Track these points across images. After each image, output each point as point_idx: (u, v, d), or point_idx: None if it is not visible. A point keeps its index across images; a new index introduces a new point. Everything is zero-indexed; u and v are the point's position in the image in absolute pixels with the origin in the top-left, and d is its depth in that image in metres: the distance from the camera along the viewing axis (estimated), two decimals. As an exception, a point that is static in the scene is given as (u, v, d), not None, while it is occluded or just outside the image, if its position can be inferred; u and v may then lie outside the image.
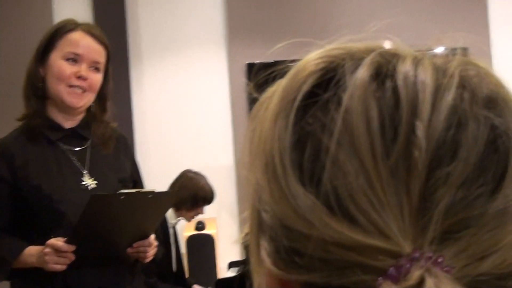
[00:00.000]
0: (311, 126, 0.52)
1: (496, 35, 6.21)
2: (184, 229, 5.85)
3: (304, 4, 6.31)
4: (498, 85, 0.54)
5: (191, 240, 5.79)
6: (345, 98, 0.51)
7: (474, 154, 0.50)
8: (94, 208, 2.36)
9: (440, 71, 0.53)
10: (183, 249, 5.78)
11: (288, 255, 0.52)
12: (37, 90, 2.55)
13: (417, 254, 0.48)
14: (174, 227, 4.54)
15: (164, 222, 4.41)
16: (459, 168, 0.49)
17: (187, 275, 5.55)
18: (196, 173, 4.64)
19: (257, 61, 6.18)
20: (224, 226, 6.19)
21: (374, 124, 0.50)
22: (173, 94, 6.36)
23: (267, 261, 0.55)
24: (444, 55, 0.55)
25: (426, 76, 0.52)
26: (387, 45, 0.56)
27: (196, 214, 4.60)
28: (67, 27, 2.57)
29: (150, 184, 5.99)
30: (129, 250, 2.55)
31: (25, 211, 2.49)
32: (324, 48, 0.57)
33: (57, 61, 2.54)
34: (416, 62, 0.53)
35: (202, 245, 5.79)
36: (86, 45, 2.56)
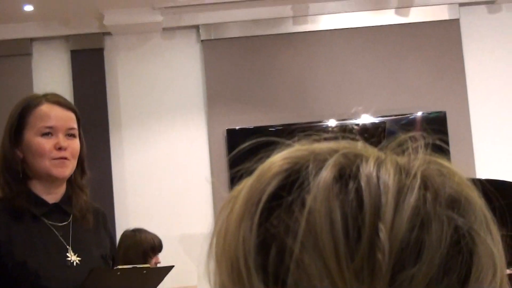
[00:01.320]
0: (276, 228, 0.52)
1: (473, 98, 6.28)
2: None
3: (281, 71, 6.38)
4: (462, 184, 0.54)
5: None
6: (309, 200, 0.51)
7: (438, 256, 0.50)
8: (92, 282, 2.38)
9: (403, 171, 0.53)
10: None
11: None
12: (17, 173, 2.53)
13: None
14: None
15: None
16: (423, 270, 0.49)
17: None
18: (134, 230, 4.69)
19: (237, 127, 6.21)
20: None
21: (337, 226, 0.50)
22: (153, 162, 6.36)
23: None
24: (407, 155, 0.55)
25: (388, 178, 0.52)
26: (351, 144, 0.56)
27: (155, 265, 4.60)
28: (33, 102, 2.57)
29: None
30: None
31: (10, 287, 2.47)
32: (289, 148, 0.57)
33: (34, 139, 2.52)
34: (379, 162, 0.54)
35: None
36: (57, 115, 2.56)
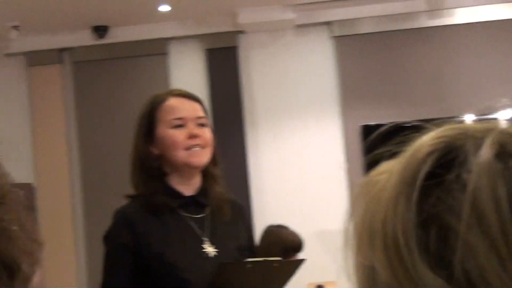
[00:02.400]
0: (435, 208, 0.51)
1: None
2: (304, 292, 5.81)
3: (416, 66, 6.30)
4: None
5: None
6: (472, 178, 0.50)
7: None
8: (222, 276, 2.40)
9: None
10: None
11: None
12: (153, 171, 2.57)
13: None
14: None
15: None
16: None
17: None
18: (279, 226, 4.71)
19: (372, 123, 6.17)
20: (343, 290, 6.10)
21: (503, 204, 0.49)
22: (288, 158, 6.40)
23: None
24: None
25: None
26: (502, 124, 0.55)
27: None
28: (159, 99, 2.61)
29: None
30: None
31: (148, 278, 2.51)
32: (440, 128, 0.56)
33: (166, 133, 2.57)
34: None
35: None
36: (185, 106, 2.60)
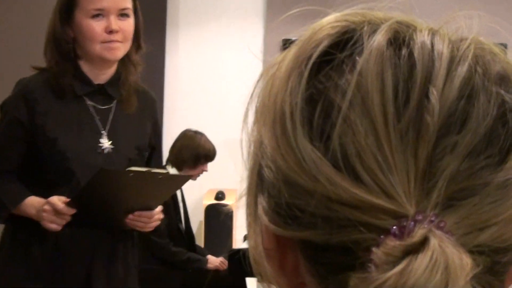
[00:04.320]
0: (324, 84, 0.53)
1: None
2: (203, 197, 5.88)
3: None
4: (510, 64, 0.56)
5: (209, 209, 5.82)
6: (361, 59, 0.52)
7: (483, 126, 0.51)
8: (100, 181, 2.34)
9: (455, 44, 0.54)
10: (201, 217, 5.82)
11: (288, 212, 0.52)
12: (66, 52, 2.50)
13: (420, 217, 0.49)
14: (181, 189, 4.60)
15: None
16: (467, 138, 0.51)
17: (202, 242, 5.59)
18: (196, 132, 4.71)
19: (293, 37, 6.16)
20: (244, 198, 6.20)
21: (388, 86, 0.51)
22: (206, 63, 6.36)
23: (264, 218, 0.55)
24: (458, 33, 0.56)
25: (442, 46, 0.53)
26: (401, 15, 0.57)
27: (200, 172, 4.66)
28: None
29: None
30: (129, 217, 2.51)
31: (36, 160, 2.46)
32: (341, 12, 0.58)
33: (84, 21, 2.47)
34: (433, 32, 0.55)
35: (220, 215, 5.82)
36: None
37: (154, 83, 6.24)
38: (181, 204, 4.64)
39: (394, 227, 0.49)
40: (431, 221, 0.49)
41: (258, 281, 0.62)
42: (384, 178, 0.50)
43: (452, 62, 0.52)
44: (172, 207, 4.50)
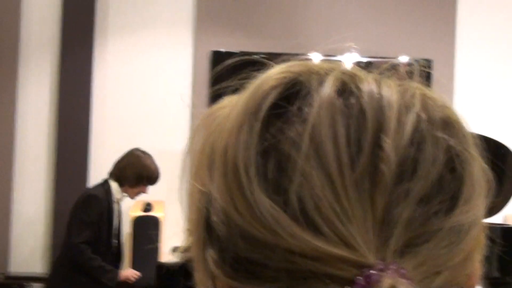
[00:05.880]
0: (277, 138, 0.52)
1: (461, 48, 6.29)
2: (130, 209, 5.83)
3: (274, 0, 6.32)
4: (449, 108, 0.57)
5: (137, 221, 5.78)
6: (312, 112, 0.52)
7: (433, 173, 0.52)
8: None
9: (402, 92, 0.55)
10: (128, 229, 5.77)
11: (246, 266, 0.52)
12: None
13: (381, 266, 0.49)
14: (118, 203, 4.59)
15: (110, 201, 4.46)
16: (419, 184, 0.51)
17: (127, 254, 5.55)
18: (143, 152, 4.72)
19: (222, 49, 6.18)
20: (172, 210, 6.17)
21: (340, 137, 0.51)
22: (135, 74, 6.33)
23: (217, 272, 0.55)
24: (398, 77, 0.57)
25: (391, 94, 0.54)
26: (344, 65, 0.58)
27: (139, 193, 4.68)
28: None
29: (103, 162, 5.94)
30: None
31: None
32: (285, 64, 0.57)
33: None
34: (378, 81, 0.56)
35: (148, 227, 5.78)
36: None
37: (80, 95, 6.18)
38: (116, 219, 4.62)
39: (360, 278, 0.49)
40: (394, 270, 0.49)
41: None
42: (344, 228, 0.50)
43: (401, 110, 0.53)
44: (106, 221, 4.48)
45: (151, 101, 6.32)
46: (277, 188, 0.51)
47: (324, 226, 0.50)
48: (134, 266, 5.33)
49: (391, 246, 0.50)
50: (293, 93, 0.54)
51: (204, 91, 6.22)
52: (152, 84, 6.33)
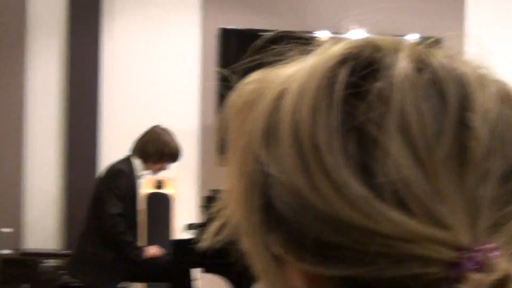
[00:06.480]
0: (357, 119, 0.50)
1: (470, 25, 6.28)
2: (143, 186, 5.86)
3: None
4: (505, 83, 0.56)
5: (149, 197, 5.80)
6: (393, 90, 0.51)
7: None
8: None
9: (472, 66, 0.54)
10: (141, 205, 5.81)
11: (327, 250, 0.50)
12: None
13: (480, 246, 0.48)
14: (139, 180, 4.65)
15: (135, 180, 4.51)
16: (502, 162, 0.51)
17: (144, 231, 5.60)
18: (164, 130, 4.73)
19: (230, 27, 6.19)
20: (183, 188, 6.21)
21: (425, 115, 0.50)
22: (144, 50, 6.33)
23: (287, 257, 0.52)
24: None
25: (466, 69, 0.53)
26: (408, 40, 0.56)
27: (161, 169, 4.70)
28: None
29: (113, 138, 5.98)
30: None
31: None
32: (347, 40, 0.55)
33: None
34: (449, 56, 0.54)
35: (160, 203, 5.81)
36: None
37: (89, 72, 6.19)
38: (139, 196, 4.68)
39: (465, 261, 0.48)
40: (490, 249, 0.48)
41: None
42: (437, 209, 0.48)
43: (480, 85, 0.52)
44: (132, 197, 4.53)
45: (160, 77, 6.33)
46: (363, 169, 0.49)
47: (416, 207, 0.48)
48: (149, 242, 5.37)
49: (480, 225, 0.49)
50: (366, 70, 0.52)
51: (212, 67, 6.24)
52: (160, 61, 6.33)
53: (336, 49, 0.54)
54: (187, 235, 4.43)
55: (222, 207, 0.59)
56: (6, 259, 5.96)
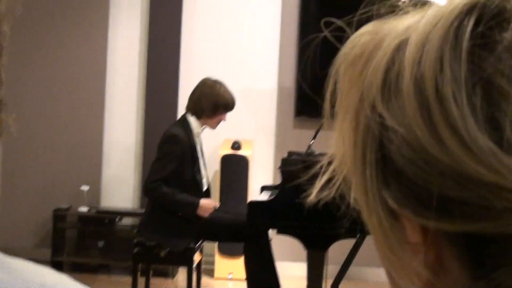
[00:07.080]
0: (486, 71, 0.48)
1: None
2: (220, 147, 5.85)
3: None
4: None
5: (225, 159, 5.80)
6: None
7: None
8: None
9: None
10: (217, 167, 5.80)
11: (450, 205, 0.49)
12: None
13: None
14: (199, 137, 4.56)
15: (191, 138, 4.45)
16: None
17: (217, 192, 5.58)
18: (215, 81, 4.62)
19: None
20: (260, 149, 6.17)
21: None
22: (225, 10, 6.28)
23: (404, 212, 0.52)
24: None
25: None
26: None
27: (219, 121, 4.59)
28: None
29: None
30: None
31: None
32: None
33: None
34: None
35: (236, 165, 5.79)
36: None
37: (170, 29, 6.17)
38: (199, 155, 4.59)
39: None
40: None
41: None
42: None
43: None
44: (189, 157, 4.46)
45: (239, 37, 6.26)
46: (491, 123, 0.48)
47: None
48: (222, 203, 5.36)
49: None
50: (494, 20, 0.49)
51: (293, 28, 6.14)
52: (240, 20, 6.27)
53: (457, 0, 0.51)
54: (263, 197, 4.35)
55: (328, 163, 0.58)
56: (83, 217, 6.05)
